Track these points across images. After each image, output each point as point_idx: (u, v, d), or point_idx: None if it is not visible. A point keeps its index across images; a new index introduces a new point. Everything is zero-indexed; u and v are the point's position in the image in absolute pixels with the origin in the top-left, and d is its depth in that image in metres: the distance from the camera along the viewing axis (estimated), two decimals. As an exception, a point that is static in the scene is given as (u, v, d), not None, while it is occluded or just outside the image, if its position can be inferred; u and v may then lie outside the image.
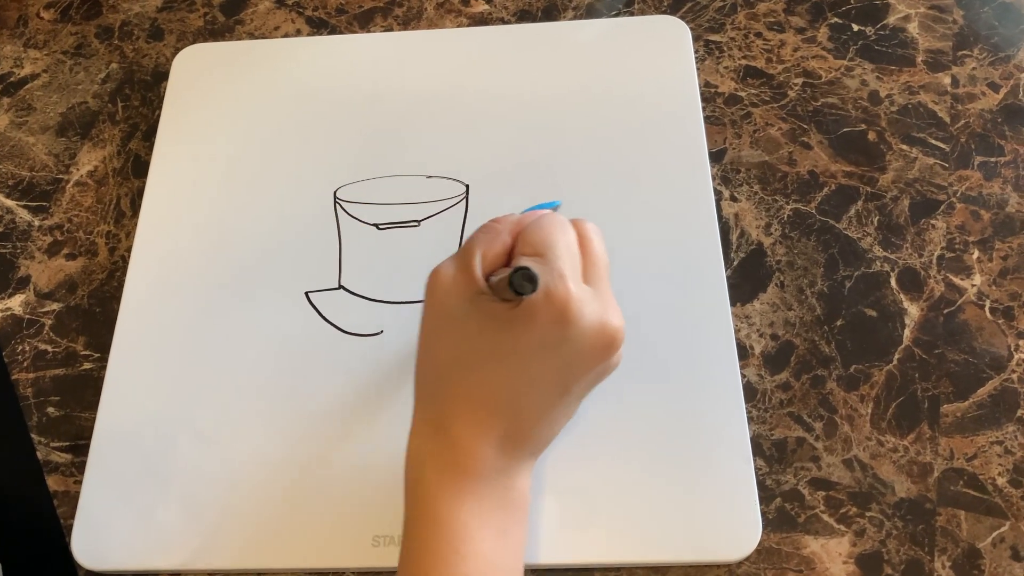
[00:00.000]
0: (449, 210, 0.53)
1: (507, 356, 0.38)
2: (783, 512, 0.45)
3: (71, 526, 0.45)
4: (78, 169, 0.57)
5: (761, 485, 0.45)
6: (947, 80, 0.57)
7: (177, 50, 0.61)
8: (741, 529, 0.43)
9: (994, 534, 0.44)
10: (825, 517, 0.44)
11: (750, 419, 0.47)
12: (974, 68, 0.57)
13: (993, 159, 0.54)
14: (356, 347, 0.49)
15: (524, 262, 0.36)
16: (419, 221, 0.52)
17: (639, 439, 0.45)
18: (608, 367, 0.40)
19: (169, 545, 0.45)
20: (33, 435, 0.49)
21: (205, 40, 0.62)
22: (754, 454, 0.45)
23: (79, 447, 0.48)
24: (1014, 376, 0.47)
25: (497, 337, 0.37)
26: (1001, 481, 0.45)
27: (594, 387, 0.41)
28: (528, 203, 0.53)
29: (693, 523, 0.43)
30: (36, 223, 0.56)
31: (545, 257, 0.37)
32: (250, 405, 0.48)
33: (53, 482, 0.48)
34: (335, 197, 0.53)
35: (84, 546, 0.45)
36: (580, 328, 0.37)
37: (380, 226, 0.52)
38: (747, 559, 0.43)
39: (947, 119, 0.55)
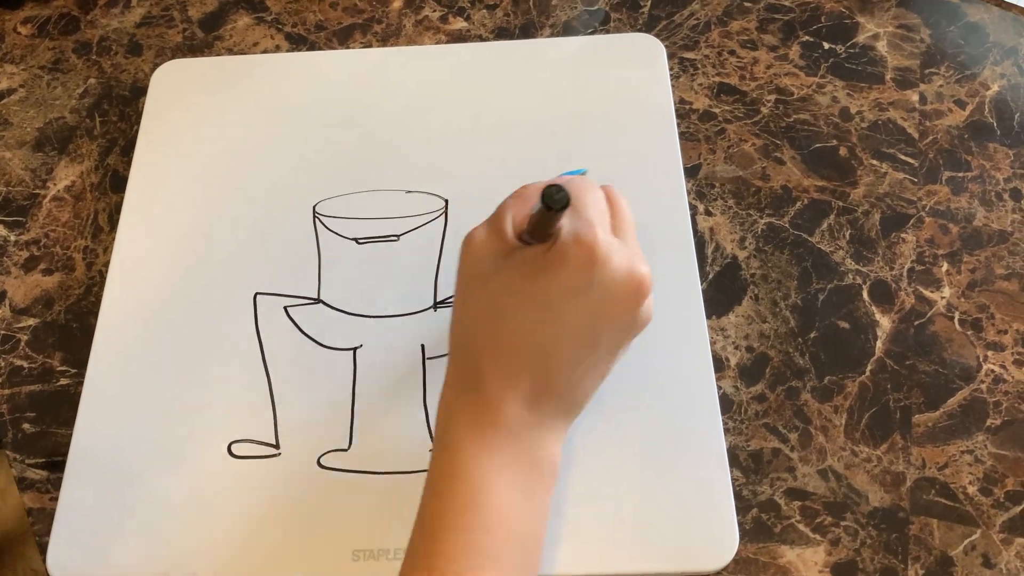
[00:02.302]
0: (428, 225, 0.53)
1: (537, 302, 0.38)
2: (759, 522, 0.45)
3: (46, 543, 0.45)
4: (55, 184, 0.57)
5: (738, 495, 0.45)
6: (915, 97, 0.58)
7: (155, 66, 0.61)
8: (718, 539, 0.44)
9: (965, 542, 0.44)
10: (801, 527, 0.45)
11: (726, 430, 0.47)
12: (941, 86, 0.58)
13: (960, 174, 0.55)
14: (335, 361, 0.49)
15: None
16: (398, 236, 0.52)
17: (616, 451, 0.46)
18: (637, 321, 0.40)
19: (146, 561, 0.44)
20: (8, 452, 0.48)
21: (184, 56, 0.62)
22: (730, 465, 0.46)
23: (55, 464, 0.48)
24: (983, 386, 0.48)
25: (528, 285, 0.38)
26: (972, 490, 0.46)
27: (624, 345, 0.41)
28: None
29: (671, 534, 0.44)
30: (12, 238, 0.55)
31: (574, 208, 0.38)
32: (228, 419, 0.48)
33: (29, 499, 0.47)
34: (314, 212, 0.54)
35: (60, 563, 0.44)
36: (608, 271, 0.37)
37: (359, 240, 0.52)
38: (724, 569, 0.44)
39: (916, 135, 0.57)
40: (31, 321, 0.52)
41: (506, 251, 0.39)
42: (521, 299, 0.38)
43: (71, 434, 0.47)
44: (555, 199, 0.35)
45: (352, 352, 0.49)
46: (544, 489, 0.39)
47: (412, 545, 0.38)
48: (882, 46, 0.60)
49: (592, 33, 0.62)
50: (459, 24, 0.63)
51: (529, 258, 0.38)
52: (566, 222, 0.38)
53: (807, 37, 0.61)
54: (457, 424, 0.39)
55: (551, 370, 0.39)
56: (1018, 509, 0.45)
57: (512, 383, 0.38)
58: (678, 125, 0.56)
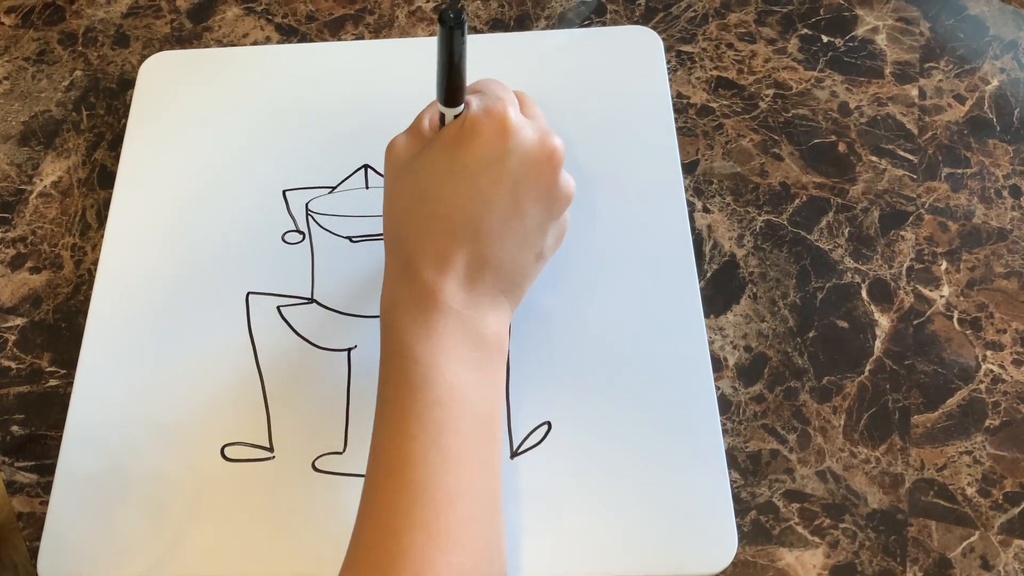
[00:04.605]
0: (422, 222, 0.52)
1: (458, 176, 0.40)
2: (758, 524, 0.45)
3: (37, 548, 0.44)
4: (42, 180, 0.56)
5: (736, 497, 0.45)
6: (915, 92, 0.57)
7: (143, 57, 0.60)
8: (717, 542, 0.43)
9: (964, 544, 0.44)
10: (799, 529, 0.45)
11: (724, 431, 0.47)
12: (940, 80, 0.58)
13: (960, 171, 0.55)
14: (329, 362, 0.48)
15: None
16: (392, 233, 0.52)
17: (614, 452, 0.46)
18: (557, 193, 0.42)
19: (138, 566, 0.44)
20: (-3, 455, 0.48)
21: (172, 47, 0.61)
22: (729, 466, 0.45)
23: (45, 467, 0.47)
24: (982, 387, 0.48)
25: (447, 161, 0.41)
26: (970, 491, 0.46)
27: (551, 217, 0.43)
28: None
29: (669, 536, 0.44)
30: (-2, 235, 0.54)
31: (482, 89, 0.42)
32: (221, 422, 0.47)
33: (18, 503, 0.47)
34: (307, 209, 0.53)
35: (50, 569, 0.44)
36: (521, 140, 0.40)
37: (353, 239, 0.52)
38: (723, 572, 0.43)
39: (915, 131, 0.56)
40: (18, 321, 0.51)
41: (426, 143, 0.42)
42: (443, 176, 0.40)
43: (61, 436, 0.47)
44: (447, 15, 0.37)
45: (347, 353, 0.48)
46: (493, 365, 0.41)
47: (375, 436, 0.40)
48: (881, 39, 0.60)
49: (588, 25, 0.61)
50: (453, 15, 0.61)
51: (445, 136, 0.41)
52: (475, 101, 0.41)
53: (805, 30, 0.60)
54: (400, 313, 0.41)
55: (481, 243, 0.41)
56: (1016, 510, 0.45)
57: (446, 264, 0.40)
58: (675, 120, 0.55)
